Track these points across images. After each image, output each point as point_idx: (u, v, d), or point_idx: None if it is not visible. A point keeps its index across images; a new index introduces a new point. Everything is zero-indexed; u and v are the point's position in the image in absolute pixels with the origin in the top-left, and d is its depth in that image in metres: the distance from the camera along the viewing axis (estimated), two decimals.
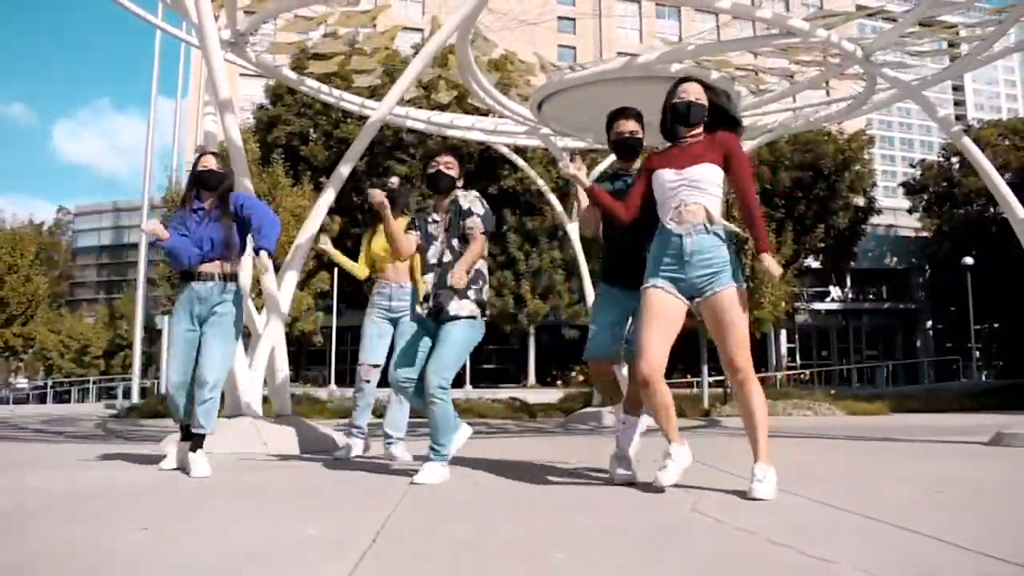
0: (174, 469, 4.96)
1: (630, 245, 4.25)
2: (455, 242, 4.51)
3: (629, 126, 4.50)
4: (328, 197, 7.90)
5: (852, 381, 35.51)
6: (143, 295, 28.86)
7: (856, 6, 23.92)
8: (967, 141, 8.62)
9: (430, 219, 4.64)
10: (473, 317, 4.42)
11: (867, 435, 8.93)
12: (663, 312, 3.79)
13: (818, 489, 3.93)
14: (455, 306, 4.38)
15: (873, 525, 3.01)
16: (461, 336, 4.39)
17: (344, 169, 7.83)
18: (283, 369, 7.64)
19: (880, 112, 62.57)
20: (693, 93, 3.94)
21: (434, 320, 4.43)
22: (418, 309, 4.53)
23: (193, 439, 4.87)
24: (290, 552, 2.59)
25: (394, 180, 6.02)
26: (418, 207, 4.69)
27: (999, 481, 4.40)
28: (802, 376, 32.37)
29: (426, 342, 4.54)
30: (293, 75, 11.55)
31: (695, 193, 3.78)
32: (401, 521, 3.16)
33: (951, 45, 10.31)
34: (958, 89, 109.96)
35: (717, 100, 4.01)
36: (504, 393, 21.63)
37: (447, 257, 4.49)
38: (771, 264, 3.76)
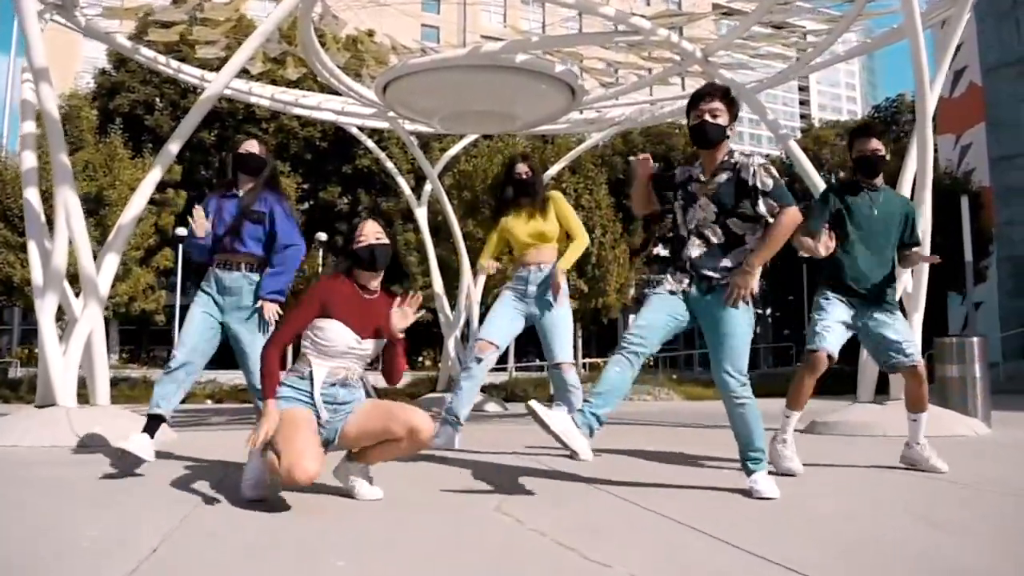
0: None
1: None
2: (733, 222, 3.74)
3: (872, 145, 4.72)
4: (155, 175, 7.45)
5: (695, 366, 37.05)
6: None
7: (712, 5, 24.84)
8: (793, 144, 9.08)
9: (693, 174, 3.87)
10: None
11: (691, 422, 9.34)
12: None
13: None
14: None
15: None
16: (746, 320, 3.73)
17: (173, 147, 7.37)
18: (101, 356, 7.25)
19: None
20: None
21: (700, 293, 3.77)
22: (670, 283, 3.82)
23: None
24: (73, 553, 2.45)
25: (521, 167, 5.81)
26: (685, 164, 3.94)
27: None
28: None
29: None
30: (128, 43, 10.90)
31: None
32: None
33: (800, 50, 10.82)
34: (804, 90, 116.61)
35: None
36: None
37: (715, 238, 3.74)
38: None
